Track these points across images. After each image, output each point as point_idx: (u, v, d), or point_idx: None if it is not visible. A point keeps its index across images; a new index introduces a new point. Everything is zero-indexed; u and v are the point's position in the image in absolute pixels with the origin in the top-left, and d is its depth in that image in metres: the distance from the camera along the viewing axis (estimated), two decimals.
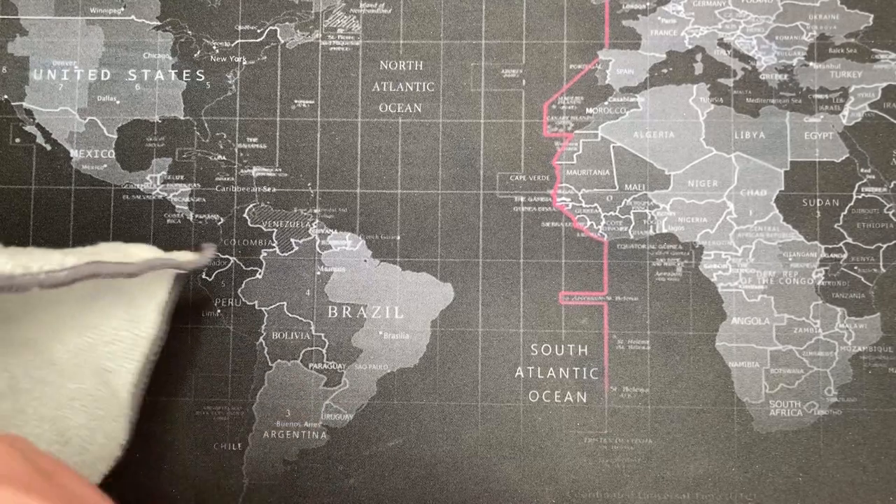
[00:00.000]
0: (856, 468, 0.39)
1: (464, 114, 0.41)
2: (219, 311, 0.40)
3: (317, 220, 0.41)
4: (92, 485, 0.30)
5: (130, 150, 0.41)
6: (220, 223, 0.41)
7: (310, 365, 0.40)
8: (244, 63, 0.41)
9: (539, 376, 0.40)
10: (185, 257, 0.36)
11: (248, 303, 0.40)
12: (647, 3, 0.41)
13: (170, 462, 0.40)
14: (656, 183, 0.41)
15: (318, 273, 0.41)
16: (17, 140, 0.41)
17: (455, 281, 0.40)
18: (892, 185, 0.40)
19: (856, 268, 0.40)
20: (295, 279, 0.40)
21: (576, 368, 0.40)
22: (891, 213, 0.40)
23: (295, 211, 0.41)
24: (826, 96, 0.41)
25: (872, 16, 0.41)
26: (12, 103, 0.41)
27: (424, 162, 0.41)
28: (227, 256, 0.41)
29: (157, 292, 0.36)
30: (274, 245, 0.41)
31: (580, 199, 0.41)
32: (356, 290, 0.41)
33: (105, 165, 0.41)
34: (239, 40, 0.42)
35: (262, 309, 0.40)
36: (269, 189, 0.41)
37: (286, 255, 0.41)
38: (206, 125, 0.41)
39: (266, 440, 0.40)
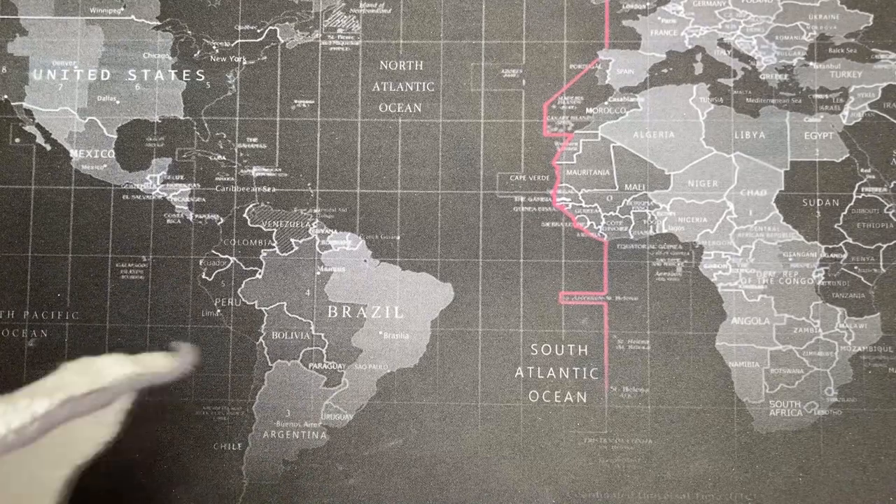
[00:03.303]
0: (856, 468, 0.39)
1: (464, 114, 0.41)
2: (219, 311, 0.40)
3: (317, 220, 0.41)
4: None
5: (130, 150, 0.41)
6: (220, 223, 0.41)
7: (310, 365, 0.40)
8: (244, 63, 0.41)
9: (539, 376, 0.40)
10: (162, 365, 0.32)
11: (248, 303, 0.40)
12: (647, 3, 0.41)
13: (170, 462, 0.40)
14: (656, 183, 0.41)
15: (318, 273, 0.41)
16: (17, 140, 0.41)
17: (455, 281, 0.40)
18: (892, 185, 0.40)
19: (856, 268, 0.40)
20: (295, 279, 0.40)
21: (576, 368, 0.40)
22: (891, 213, 0.40)
23: (295, 211, 0.41)
24: (826, 96, 0.41)
25: (872, 16, 0.41)
26: (12, 103, 0.41)
27: (424, 162, 0.41)
28: (227, 256, 0.41)
29: (122, 399, 0.32)
30: (274, 245, 0.41)
31: (580, 199, 0.41)
32: (356, 290, 0.41)
33: (105, 165, 0.41)
34: (239, 40, 0.42)
35: (262, 309, 0.40)
36: (269, 189, 0.41)
37: (286, 255, 0.41)
38: (206, 125, 0.41)
39: (266, 440, 0.40)
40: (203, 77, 0.41)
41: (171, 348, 0.34)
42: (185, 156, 0.41)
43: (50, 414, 0.27)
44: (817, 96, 0.41)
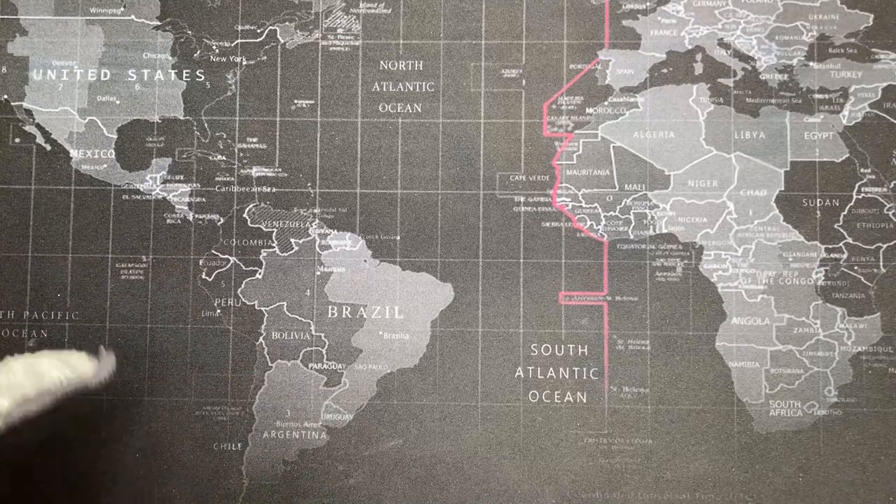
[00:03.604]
0: (856, 468, 0.39)
1: (464, 114, 0.41)
2: (219, 311, 0.40)
3: (317, 220, 0.41)
4: None
5: (130, 150, 0.41)
6: (220, 223, 0.41)
7: (310, 365, 0.40)
8: (244, 63, 0.41)
9: (539, 376, 0.40)
10: (86, 370, 0.34)
11: (248, 303, 0.40)
12: (647, 3, 0.41)
13: (170, 462, 0.40)
14: (656, 183, 0.41)
15: (318, 273, 0.41)
16: (17, 140, 0.41)
17: (455, 281, 0.40)
18: (892, 185, 0.40)
19: (856, 268, 0.40)
20: (295, 279, 0.40)
21: (576, 368, 0.40)
22: (891, 213, 0.40)
23: (295, 211, 0.41)
24: (826, 96, 0.41)
25: (872, 16, 0.41)
26: (12, 103, 0.41)
27: (424, 162, 0.41)
28: (227, 256, 0.41)
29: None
30: (274, 245, 0.41)
31: (580, 199, 0.41)
32: (356, 290, 0.41)
33: (105, 165, 0.41)
34: (239, 40, 0.42)
35: (262, 309, 0.40)
36: (269, 189, 0.41)
37: (286, 255, 0.41)
38: (206, 125, 0.41)
39: (266, 440, 0.40)
40: (203, 77, 0.41)
41: (97, 351, 0.36)
42: (185, 156, 0.41)
43: (11, 412, 0.29)
44: (817, 96, 0.41)
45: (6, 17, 0.42)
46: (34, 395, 0.31)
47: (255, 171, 0.41)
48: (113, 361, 0.36)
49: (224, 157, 0.41)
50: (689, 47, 0.41)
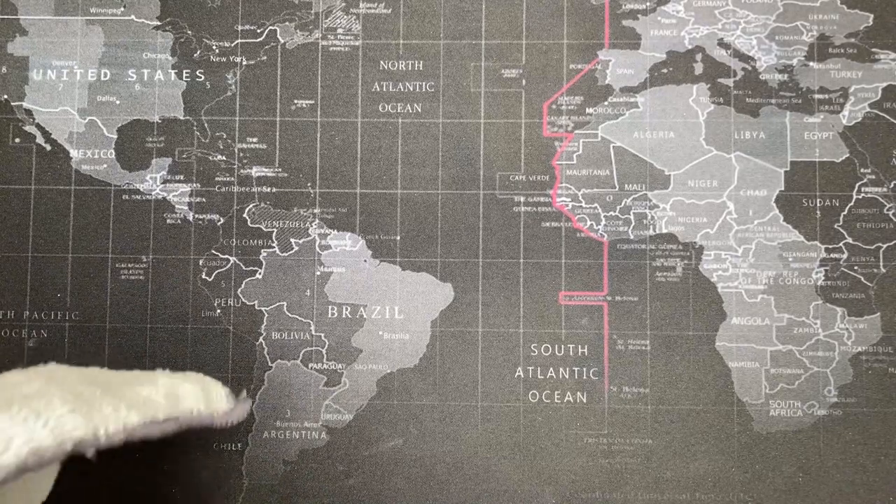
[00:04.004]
0: (856, 468, 0.39)
1: (464, 114, 0.41)
2: (219, 311, 0.40)
3: (317, 220, 0.41)
4: None
5: (130, 150, 0.41)
6: (220, 223, 0.41)
7: (310, 365, 0.40)
8: (244, 63, 0.41)
9: (539, 376, 0.40)
10: (222, 409, 0.31)
11: (247, 303, 0.40)
12: (647, 3, 0.41)
13: (170, 462, 0.40)
14: (656, 183, 0.41)
15: (318, 273, 0.41)
16: (17, 140, 0.41)
17: (455, 281, 0.40)
18: (892, 185, 0.40)
19: (856, 268, 0.40)
20: (295, 279, 0.40)
21: (576, 368, 0.40)
22: (891, 213, 0.40)
23: (295, 211, 0.41)
24: (826, 96, 0.41)
25: (872, 16, 0.41)
26: (12, 103, 0.41)
27: (424, 162, 0.41)
28: (227, 256, 0.41)
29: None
30: (274, 245, 0.41)
31: (580, 199, 0.41)
32: (356, 290, 0.41)
33: (105, 165, 0.41)
34: (239, 40, 0.42)
35: (262, 309, 0.40)
36: (269, 189, 0.41)
37: (286, 255, 0.41)
38: (205, 125, 0.41)
39: (266, 440, 0.40)
40: (203, 77, 0.41)
41: (238, 393, 0.34)
42: (185, 156, 0.41)
43: (134, 429, 0.27)
44: (817, 96, 0.41)
45: (6, 17, 0.42)
46: (162, 419, 0.30)
47: (255, 171, 0.41)
48: (247, 409, 0.34)
49: (224, 157, 0.41)
50: (689, 47, 0.41)
